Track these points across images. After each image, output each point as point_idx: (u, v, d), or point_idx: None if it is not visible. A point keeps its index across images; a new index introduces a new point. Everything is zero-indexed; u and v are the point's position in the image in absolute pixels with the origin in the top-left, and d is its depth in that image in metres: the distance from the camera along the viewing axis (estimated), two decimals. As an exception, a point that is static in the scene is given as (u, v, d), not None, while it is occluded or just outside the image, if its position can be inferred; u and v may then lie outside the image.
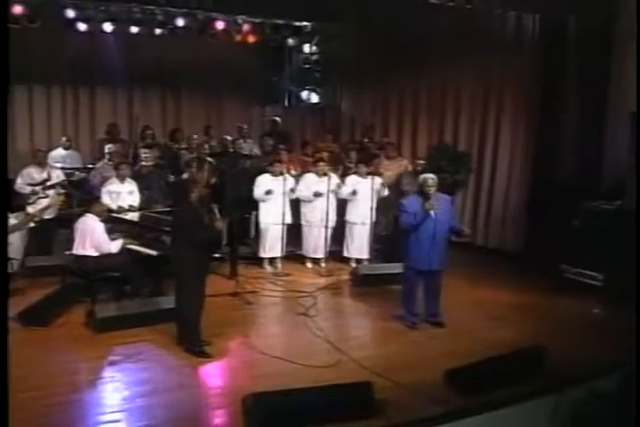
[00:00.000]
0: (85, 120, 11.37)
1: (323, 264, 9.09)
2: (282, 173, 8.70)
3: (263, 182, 8.70)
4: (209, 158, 9.10)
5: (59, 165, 9.55)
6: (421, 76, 11.13)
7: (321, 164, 8.96)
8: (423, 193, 6.43)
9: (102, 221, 7.08)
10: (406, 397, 5.01)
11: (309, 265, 9.12)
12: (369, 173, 8.97)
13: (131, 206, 8.07)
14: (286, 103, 12.81)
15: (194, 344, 5.82)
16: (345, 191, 8.90)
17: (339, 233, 9.20)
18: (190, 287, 5.82)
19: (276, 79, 12.55)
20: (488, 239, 10.22)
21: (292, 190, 8.73)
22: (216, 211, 5.93)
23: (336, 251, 9.26)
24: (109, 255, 6.88)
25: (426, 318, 6.81)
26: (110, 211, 7.63)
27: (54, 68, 10.65)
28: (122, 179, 8.22)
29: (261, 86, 12.61)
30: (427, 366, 5.61)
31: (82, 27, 10.13)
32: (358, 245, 9.10)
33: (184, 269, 5.80)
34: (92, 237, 6.80)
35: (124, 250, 7.02)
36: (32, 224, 6.88)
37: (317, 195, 8.78)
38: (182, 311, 5.90)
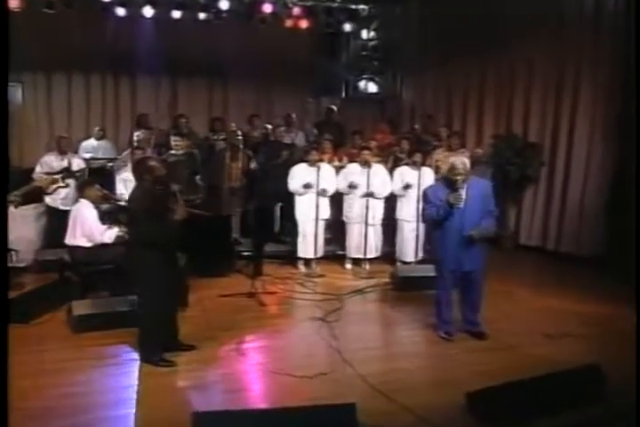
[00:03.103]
0: (126, 110, 10.85)
1: (366, 266, 8.06)
2: (319, 162, 7.82)
3: (297, 173, 7.84)
4: (242, 146, 8.35)
5: (89, 155, 9.15)
6: (488, 60, 9.96)
7: (364, 152, 7.98)
8: (451, 181, 5.33)
9: (102, 208, 6.41)
10: (408, 424, 3.94)
11: (348, 266, 8.14)
12: (422, 165, 7.95)
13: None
14: (343, 93, 11.92)
15: (153, 354, 4.88)
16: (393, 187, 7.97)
17: (391, 232, 8.23)
18: (150, 288, 4.76)
19: (332, 68, 11.66)
20: (560, 243, 8.91)
21: (324, 191, 7.77)
22: (178, 195, 4.75)
23: (389, 252, 8.28)
24: (104, 246, 6.13)
25: (464, 327, 5.69)
26: (117, 200, 6.96)
27: (93, 55, 10.18)
28: (138, 166, 7.53)
29: (315, 75, 11.72)
30: (449, 387, 4.52)
31: (120, 11, 9.64)
32: (407, 246, 8.05)
33: (140, 264, 4.76)
34: (83, 226, 6.08)
35: (121, 241, 6.23)
36: (14, 209, 6.20)
37: (353, 187, 7.79)
38: (142, 315, 4.93)
